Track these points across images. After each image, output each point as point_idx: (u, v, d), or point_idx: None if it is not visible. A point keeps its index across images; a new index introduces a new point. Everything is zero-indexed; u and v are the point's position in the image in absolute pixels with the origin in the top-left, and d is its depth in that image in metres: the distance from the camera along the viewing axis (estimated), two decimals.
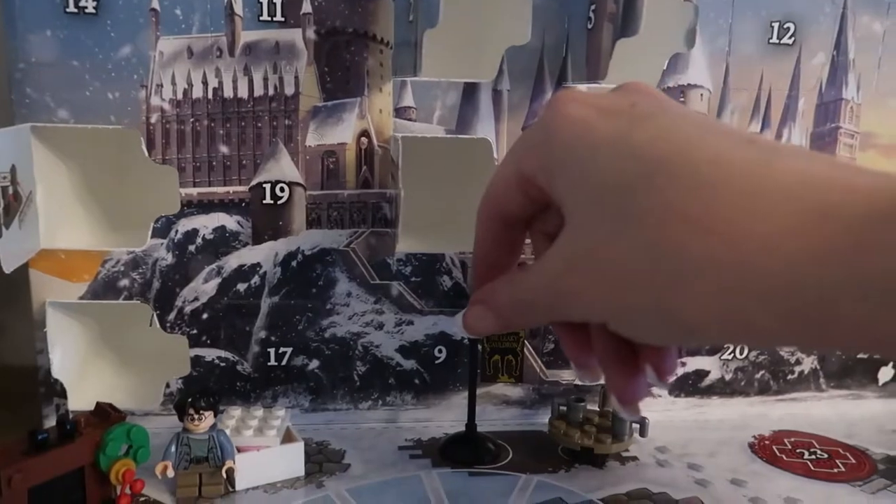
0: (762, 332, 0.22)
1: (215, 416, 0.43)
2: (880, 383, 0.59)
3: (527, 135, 0.28)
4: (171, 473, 0.42)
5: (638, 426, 0.48)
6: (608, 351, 0.29)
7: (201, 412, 0.42)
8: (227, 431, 0.45)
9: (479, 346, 0.50)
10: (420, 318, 0.52)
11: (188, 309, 0.51)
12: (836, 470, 0.48)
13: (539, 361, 0.54)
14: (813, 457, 0.50)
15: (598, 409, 0.51)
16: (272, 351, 0.52)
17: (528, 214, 0.29)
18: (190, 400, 0.42)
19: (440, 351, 0.53)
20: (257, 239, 0.50)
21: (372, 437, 0.52)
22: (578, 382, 0.55)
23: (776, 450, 0.51)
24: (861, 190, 0.20)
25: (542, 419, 0.53)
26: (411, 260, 0.52)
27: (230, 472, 0.43)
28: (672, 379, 0.34)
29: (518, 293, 0.29)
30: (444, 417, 0.55)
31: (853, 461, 0.50)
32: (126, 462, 0.39)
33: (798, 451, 0.51)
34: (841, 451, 0.51)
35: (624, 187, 0.24)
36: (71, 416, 0.38)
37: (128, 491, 0.39)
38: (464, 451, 0.49)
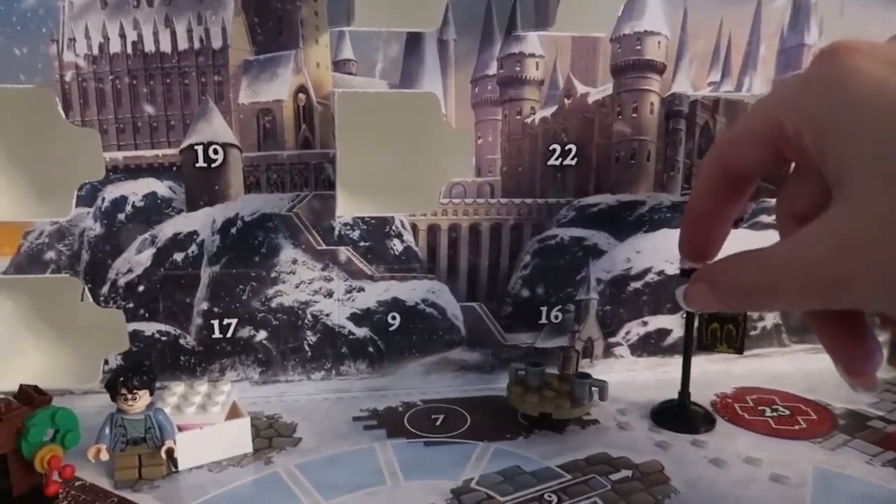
0: None
1: (151, 394, 0.41)
2: None
3: (792, 86, 0.24)
4: (104, 456, 0.39)
5: (598, 390, 0.46)
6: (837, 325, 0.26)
7: (134, 391, 0.39)
8: (168, 409, 0.43)
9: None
10: (371, 285, 0.50)
11: (122, 281, 0.48)
12: (797, 427, 0.48)
13: (497, 325, 0.52)
14: (775, 414, 0.49)
15: (557, 373, 0.50)
16: (216, 323, 0.49)
17: (762, 173, 0.26)
18: (121, 379, 0.39)
19: (393, 318, 0.51)
20: (192, 205, 0.47)
21: (325, 409, 0.50)
22: (538, 345, 0.53)
23: (738, 408, 0.50)
24: None
25: (502, 384, 0.52)
26: (359, 224, 0.49)
27: (170, 452, 0.40)
28: None
29: (753, 275, 0.26)
30: (401, 386, 0.53)
31: (814, 417, 0.49)
32: (52, 448, 0.37)
33: (760, 408, 0.50)
34: (802, 406, 0.51)
35: None
36: None
37: (56, 478, 0.37)
38: (678, 418, 0.48)
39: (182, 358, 0.50)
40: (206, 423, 0.43)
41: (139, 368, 0.40)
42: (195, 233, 0.48)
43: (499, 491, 0.40)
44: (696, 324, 0.48)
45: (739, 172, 0.26)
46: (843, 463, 0.43)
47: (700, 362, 0.57)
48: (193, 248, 0.48)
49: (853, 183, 0.21)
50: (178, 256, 0.48)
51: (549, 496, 0.39)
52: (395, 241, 0.50)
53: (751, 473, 0.42)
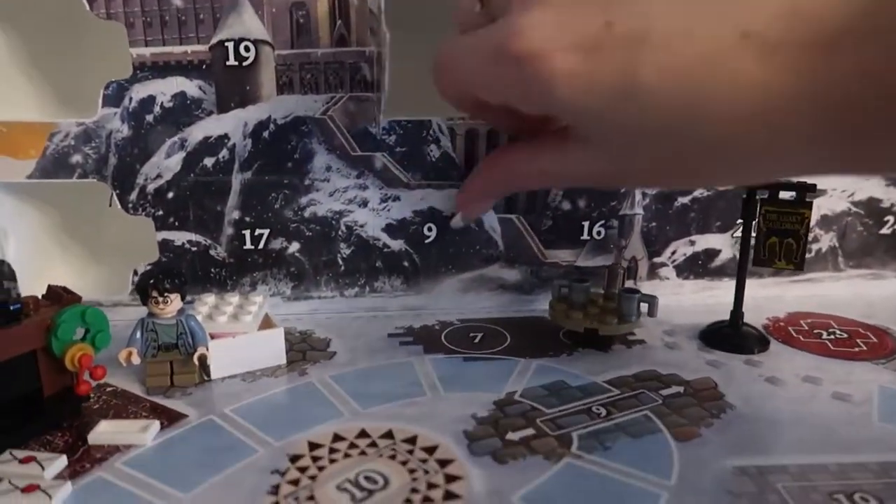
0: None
1: (183, 298, 0.39)
2: None
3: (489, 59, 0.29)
4: (136, 360, 0.38)
5: (647, 305, 0.44)
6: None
7: (166, 294, 0.38)
8: (199, 318, 0.41)
9: (756, 225, 0.44)
10: (407, 193, 0.48)
11: (151, 187, 0.46)
12: (856, 349, 0.45)
13: (537, 241, 0.50)
14: (832, 336, 0.47)
15: (602, 290, 0.47)
16: (247, 233, 0.48)
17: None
18: (152, 281, 0.38)
19: (430, 229, 0.49)
20: (223, 107, 0.45)
21: (359, 326, 0.49)
22: (579, 264, 0.50)
23: (792, 331, 0.48)
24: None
25: (542, 305, 0.50)
26: (395, 128, 0.46)
27: (203, 359, 0.39)
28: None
29: (521, 171, 0.35)
30: (438, 305, 0.51)
31: (875, 340, 0.46)
32: (82, 347, 0.35)
33: (815, 331, 0.48)
34: (861, 330, 0.48)
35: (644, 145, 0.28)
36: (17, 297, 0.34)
37: (87, 378, 0.36)
38: (730, 339, 0.46)
39: (213, 270, 0.48)
40: (239, 332, 0.42)
41: (171, 271, 0.39)
42: (226, 136, 0.45)
43: (544, 403, 0.38)
44: (752, 240, 0.45)
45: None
46: None
47: (751, 286, 0.54)
48: (224, 153, 0.46)
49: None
50: (209, 161, 0.46)
51: (598, 409, 0.37)
52: (433, 146, 0.47)
53: (811, 391, 0.39)
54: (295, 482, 0.31)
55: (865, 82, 0.22)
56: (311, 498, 0.30)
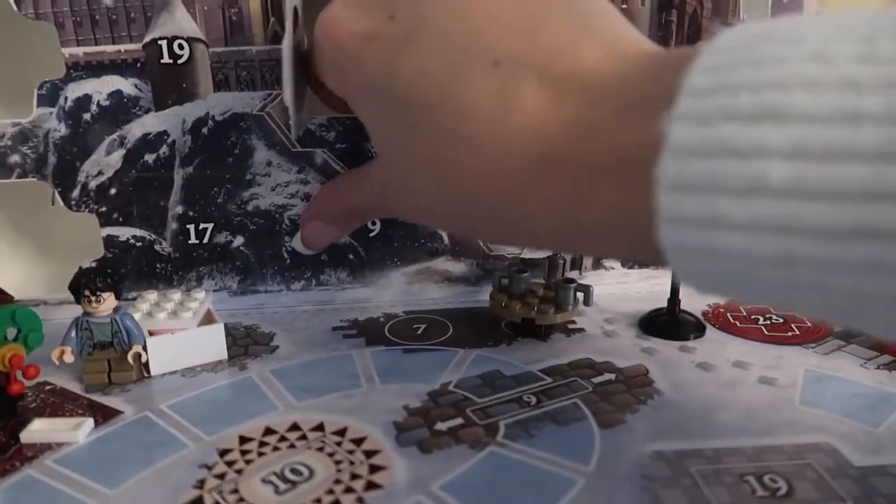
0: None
1: (118, 297, 0.39)
2: None
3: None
4: (68, 358, 0.38)
5: (582, 295, 0.45)
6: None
7: (98, 293, 0.38)
8: (138, 316, 0.42)
9: None
10: None
11: (93, 184, 0.46)
12: (790, 333, 0.46)
13: None
14: (768, 322, 0.48)
15: (542, 280, 0.48)
16: (192, 227, 0.48)
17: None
18: (84, 280, 0.38)
19: (373, 223, 0.49)
20: (160, 104, 0.45)
21: (305, 319, 0.49)
22: (524, 256, 0.51)
23: (730, 317, 0.49)
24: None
25: (486, 296, 0.50)
26: (334, 125, 0.47)
27: (137, 357, 0.39)
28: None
29: (346, 205, 0.41)
30: (383, 297, 0.52)
31: (808, 325, 0.47)
32: (13, 347, 0.36)
33: (753, 317, 0.49)
34: (798, 315, 0.49)
35: (398, 135, 0.30)
36: None
37: (20, 377, 0.36)
38: (667, 326, 0.46)
39: (158, 265, 0.48)
40: (178, 329, 0.42)
41: (104, 270, 0.39)
42: (165, 133, 0.45)
43: (477, 393, 0.39)
44: None
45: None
46: (835, 366, 0.42)
47: None
48: (164, 149, 0.46)
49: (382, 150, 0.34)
50: (150, 157, 0.46)
51: (528, 398, 0.38)
52: None
53: (739, 376, 0.40)
54: (221, 476, 0.32)
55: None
56: (235, 491, 0.31)
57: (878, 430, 0.35)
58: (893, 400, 0.38)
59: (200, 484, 0.31)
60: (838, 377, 0.40)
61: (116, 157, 0.46)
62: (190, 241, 0.48)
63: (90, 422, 0.36)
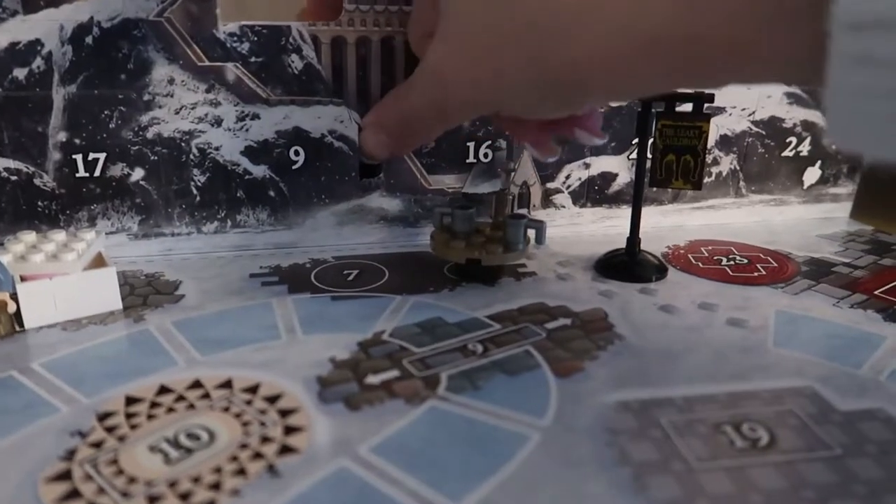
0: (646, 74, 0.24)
1: None
2: (805, 186, 0.53)
3: None
4: None
5: (534, 232, 0.40)
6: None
7: None
8: (7, 259, 0.35)
9: (652, 142, 0.39)
10: (267, 111, 0.41)
11: None
12: (756, 273, 0.42)
13: (418, 165, 0.45)
14: (731, 262, 0.44)
15: (489, 219, 0.43)
16: (79, 158, 0.40)
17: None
18: None
19: (297, 153, 0.43)
20: (30, 6, 0.37)
21: (219, 266, 0.43)
22: (467, 190, 0.46)
23: (692, 258, 0.45)
24: None
25: (426, 239, 0.45)
26: (248, 34, 0.40)
27: (2, 307, 0.33)
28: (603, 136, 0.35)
29: (403, 109, 0.33)
30: (311, 241, 0.46)
31: (775, 265, 0.44)
32: None
33: (716, 258, 0.45)
34: (762, 255, 0.46)
35: None
36: None
37: None
38: (626, 267, 0.42)
39: (40, 203, 0.41)
40: (59, 273, 0.35)
41: None
42: (38, 42, 0.38)
43: (415, 342, 0.34)
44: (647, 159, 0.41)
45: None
46: (807, 306, 0.38)
47: (651, 214, 0.51)
48: (39, 63, 0.38)
49: (446, 19, 0.29)
50: (20, 73, 0.38)
51: (474, 346, 0.33)
52: (294, 56, 0.41)
53: (706, 318, 0.36)
54: (98, 444, 0.26)
55: None
56: (114, 462, 0.25)
57: (859, 371, 0.31)
58: (873, 340, 0.34)
59: (70, 455, 0.25)
60: (812, 317, 0.37)
61: None
62: (78, 175, 0.41)
63: None
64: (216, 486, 0.23)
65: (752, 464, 0.25)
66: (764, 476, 0.24)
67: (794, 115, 0.50)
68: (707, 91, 0.38)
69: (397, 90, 0.34)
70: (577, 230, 0.50)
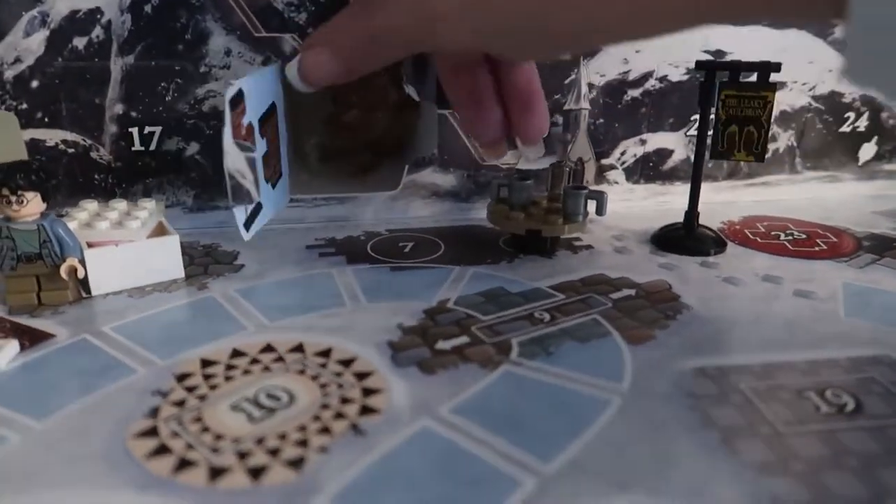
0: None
1: (45, 199, 0.32)
2: (860, 163, 0.52)
3: None
4: None
5: (595, 203, 0.40)
6: (466, 92, 0.32)
7: (20, 193, 0.31)
8: (74, 226, 0.35)
9: (713, 114, 0.39)
10: None
11: (9, 74, 0.38)
12: (816, 248, 0.42)
13: (473, 141, 0.44)
14: (790, 237, 0.44)
15: (546, 191, 0.43)
16: (135, 131, 0.41)
17: None
18: (1, 177, 0.31)
19: None
20: None
21: (274, 238, 0.43)
22: (520, 166, 0.45)
23: (749, 233, 0.44)
24: None
25: (480, 213, 0.45)
26: (305, 4, 0.40)
27: (72, 271, 0.33)
28: (540, 141, 0.35)
29: (370, 27, 0.28)
30: (363, 215, 0.45)
31: (834, 240, 0.43)
32: None
33: (773, 233, 0.44)
34: (820, 231, 0.45)
35: None
36: None
37: None
38: (684, 241, 0.42)
39: (97, 177, 0.41)
40: (124, 240, 0.35)
41: (28, 166, 0.32)
42: (98, 10, 0.38)
43: (481, 310, 0.33)
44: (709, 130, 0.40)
45: None
46: (874, 279, 0.37)
47: (704, 191, 0.50)
48: (98, 32, 0.38)
49: None
50: (79, 42, 0.38)
51: (541, 314, 0.33)
52: None
53: (772, 291, 0.36)
54: (180, 403, 0.26)
55: None
56: (199, 419, 0.25)
57: None
58: None
59: (154, 413, 0.25)
60: (881, 289, 0.36)
61: (38, 41, 0.38)
62: (134, 148, 0.41)
63: (14, 345, 0.29)
64: (303, 444, 0.23)
65: (842, 428, 0.24)
66: (857, 440, 0.24)
67: (853, 89, 0.49)
68: (773, 62, 0.37)
69: (351, 8, 0.30)
70: (629, 205, 0.49)
